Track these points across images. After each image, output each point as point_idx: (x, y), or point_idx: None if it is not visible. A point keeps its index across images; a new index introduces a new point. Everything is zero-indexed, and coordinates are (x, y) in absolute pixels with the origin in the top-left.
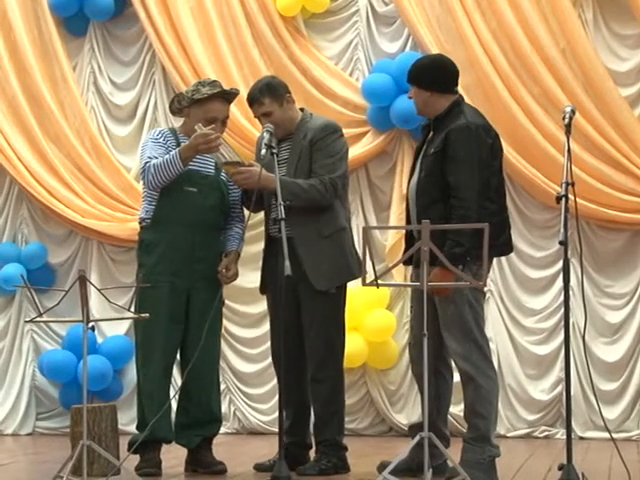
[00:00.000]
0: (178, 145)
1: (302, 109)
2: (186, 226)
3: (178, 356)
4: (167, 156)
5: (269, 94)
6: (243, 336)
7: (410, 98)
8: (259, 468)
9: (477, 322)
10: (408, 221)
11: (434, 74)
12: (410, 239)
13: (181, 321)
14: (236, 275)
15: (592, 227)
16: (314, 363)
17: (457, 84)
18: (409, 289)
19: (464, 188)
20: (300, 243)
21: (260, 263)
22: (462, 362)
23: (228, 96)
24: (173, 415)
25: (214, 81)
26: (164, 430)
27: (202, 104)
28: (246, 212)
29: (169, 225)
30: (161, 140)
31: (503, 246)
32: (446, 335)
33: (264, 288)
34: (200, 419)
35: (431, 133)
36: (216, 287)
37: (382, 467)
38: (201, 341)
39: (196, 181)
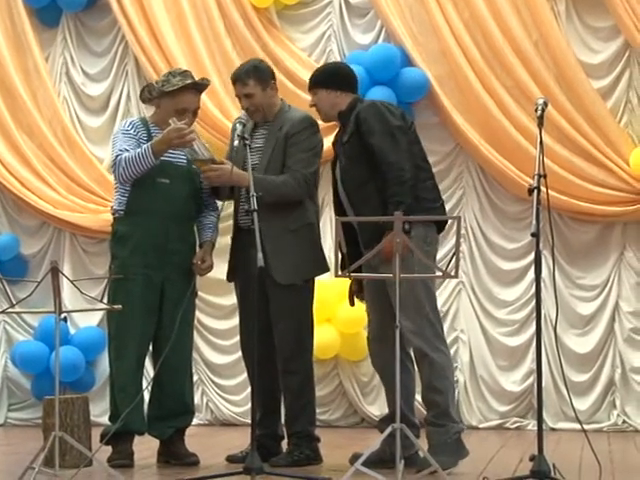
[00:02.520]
0: (149, 135)
1: (281, 99)
2: (159, 218)
3: (150, 347)
4: (139, 150)
5: (255, 76)
6: (215, 327)
7: (312, 106)
8: (231, 460)
9: (430, 300)
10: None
11: (338, 74)
12: (350, 233)
13: (154, 313)
14: (211, 267)
15: (564, 219)
16: (283, 356)
17: (357, 87)
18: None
19: (390, 153)
20: (266, 236)
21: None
22: (415, 338)
23: (199, 87)
24: (145, 406)
25: (185, 71)
26: (137, 422)
27: (173, 95)
28: (219, 202)
29: (142, 217)
30: (132, 131)
31: (439, 211)
32: (400, 314)
33: (232, 276)
34: (173, 410)
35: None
36: (190, 279)
37: (354, 458)
38: (174, 332)
39: (168, 172)
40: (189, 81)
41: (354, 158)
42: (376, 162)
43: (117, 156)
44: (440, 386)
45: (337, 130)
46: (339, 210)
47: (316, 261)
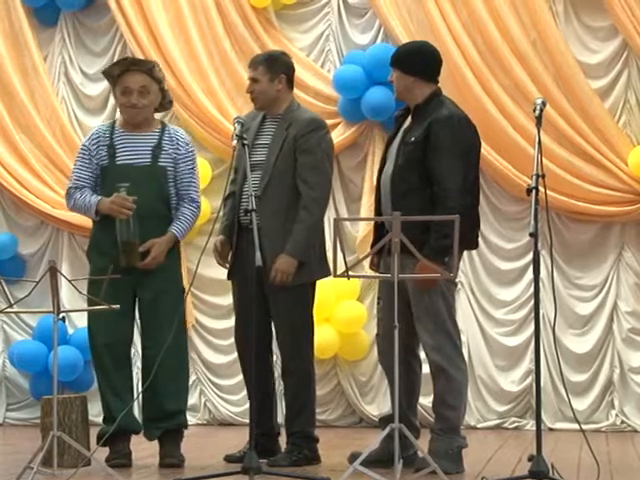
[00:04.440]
0: (111, 141)
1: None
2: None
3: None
4: (87, 201)
5: (265, 64)
6: (214, 327)
7: (391, 82)
8: (229, 459)
9: (450, 313)
10: (379, 211)
11: (420, 60)
12: (380, 229)
13: (128, 315)
14: (154, 259)
15: (562, 219)
16: (283, 355)
17: (439, 74)
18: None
19: (448, 179)
20: (266, 235)
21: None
22: (434, 354)
23: (140, 67)
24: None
25: (126, 58)
26: (130, 421)
27: (118, 81)
28: (216, 202)
29: (107, 221)
30: (92, 148)
31: (474, 240)
32: (418, 327)
33: (231, 275)
34: (159, 412)
35: (408, 121)
36: (163, 278)
37: (353, 458)
38: (170, 337)
39: (128, 175)
40: (120, 60)
41: (412, 163)
42: (430, 177)
43: (70, 188)
44: (454, 403)
45: (403, 111)
46: (377, 202)
47: (315, 264)
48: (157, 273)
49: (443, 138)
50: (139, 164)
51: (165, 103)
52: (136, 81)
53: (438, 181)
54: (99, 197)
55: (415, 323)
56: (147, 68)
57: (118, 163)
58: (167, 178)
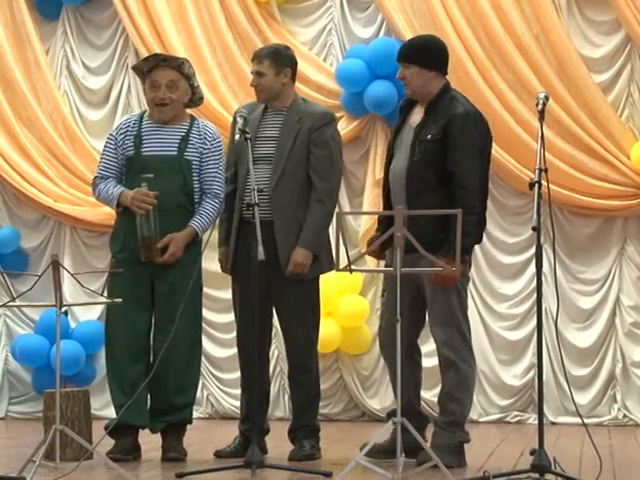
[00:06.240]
0: (139, 131)
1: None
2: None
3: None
4: (110, 192)
5: (272, 58)
6: (216, 321)
7: (401, 78)
8: (220, 455)
9: (462, 308)
10: (389, 207)
11: (436, 54)
12: (388, 225)
13: (146, 308)
14: (172, 255)
15: (565, 213)
16: (294, 352)
17: (447, 67)
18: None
19: (468, 178)
20: (279, 229)
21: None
22: (444, 348)
23: (167, 63)
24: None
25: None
26: (135, 415)
27: (148, 77)
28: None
29: (129, 214)
30: (119, 138)
31: (480, 236)
32: (431, 320)
33: (232, 269)
34: (168, 404)
35: (417, 113)
36: (181, 272)
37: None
38: (174, 326)
39: (153, 167)
40: (146, 56)
41: (429, 161)
42: (449, 176)
43: (95, 178)
44: (461, 397)
45: (407, 101)
46: (386, 197)
47: (324, 258)
48: (174, 267)
49: (461, 137)
50: (164, 156)
51: (195, 99)
52: (164, 76)
53: (458, 180)
54: (121, 189)
55: (428, 316)
56: (176, 64)
57: (143, 154)
58: (192, 171)
